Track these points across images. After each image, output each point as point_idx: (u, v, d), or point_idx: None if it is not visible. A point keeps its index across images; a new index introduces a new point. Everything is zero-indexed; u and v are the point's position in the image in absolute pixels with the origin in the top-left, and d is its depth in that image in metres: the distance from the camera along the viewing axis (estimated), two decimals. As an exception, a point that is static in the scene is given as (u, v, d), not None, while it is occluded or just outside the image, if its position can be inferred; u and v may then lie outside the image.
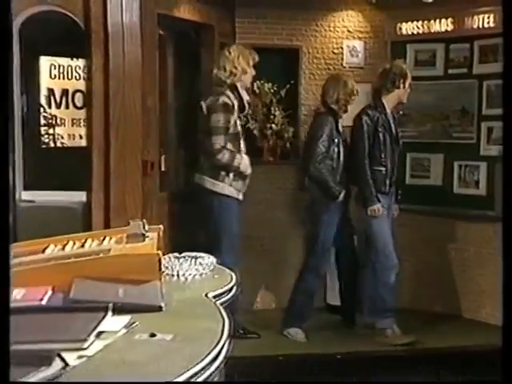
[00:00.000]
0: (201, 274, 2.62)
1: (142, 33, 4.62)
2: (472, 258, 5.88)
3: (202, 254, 2.75)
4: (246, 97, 5.17)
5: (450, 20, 5.96)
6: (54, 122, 4.72)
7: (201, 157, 5.22)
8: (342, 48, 6.19)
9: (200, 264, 2.63)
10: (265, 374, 4.74)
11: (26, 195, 4.57)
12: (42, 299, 2.15)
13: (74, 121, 4.71)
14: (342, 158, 5.38)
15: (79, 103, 4.70)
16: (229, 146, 5.06)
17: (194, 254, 2.74)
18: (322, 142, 5.31)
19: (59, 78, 4.70)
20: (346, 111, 5.44)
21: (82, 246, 2.69)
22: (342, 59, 6.16)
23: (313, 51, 6.13)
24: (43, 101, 4.63)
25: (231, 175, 5.11)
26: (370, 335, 5.41)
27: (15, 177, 4.59)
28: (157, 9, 4.90)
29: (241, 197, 5.23)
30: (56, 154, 4.84)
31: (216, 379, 1.79)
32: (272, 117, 5.98)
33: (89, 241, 2.74)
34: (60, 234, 2.96)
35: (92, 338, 1.78)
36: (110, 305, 1.99)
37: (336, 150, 5.37)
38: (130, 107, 4.58)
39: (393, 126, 5.40)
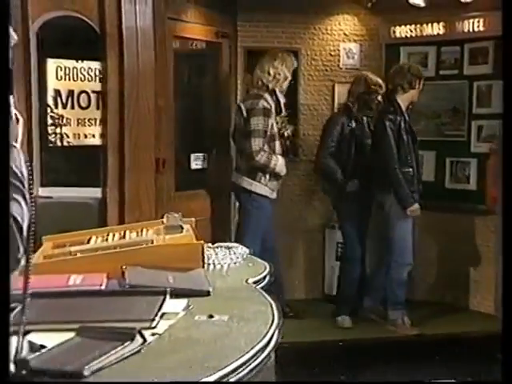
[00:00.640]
0: (235, 263, 2.75)
1: (155, 36, 4.75)
2: (463, 249, 5.99)
3: (235, 244, 2.89)
4: (283, 100, 5.33)
5: (441, 24, 6.04)
6: (60, 122, 4.78)
7: (238, 157, 5.40)
8: (338, 50, 6.27)
9: (234, 253, 2.76)
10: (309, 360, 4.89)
11: (43, 191, 4.66)
12: (101, 284, 2.29)
13: (79, 120, 4.77)
14: (352, 153, 5.50)
15: (84, 104, 4.75)
16: (266, 147, 5.21)
17: (226, 244, 2.88)
18: (331, 138, 5.48)
19: (65, 79, 4.76)
20: (369, 109, 5.58)
21: (123, 237, 2.82)
22: (339, 61, 6.23)
23: (311, 53, 6.21)
24: (50, 101, 4.68)
25: (267, 176, 5.29)
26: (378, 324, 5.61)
27: (33, 174, 4.69)
28: (167, 13, 4.99)
29: (274, 196, 5.40)
30: (63, 153, 4.90)
31: (271, 360, 1.92)
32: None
33: (128, 232, 2.87)
34: (77, 228, 3.08)
35: (157, 318, 1.92)
36: (168, 289, 2.12)
37: (346, 145, 5.49)
38: (143, 107, 4.69)
39: (409, 125, 5.46)
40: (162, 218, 3.00)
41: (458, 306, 5.99)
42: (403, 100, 5.43)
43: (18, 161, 1.87)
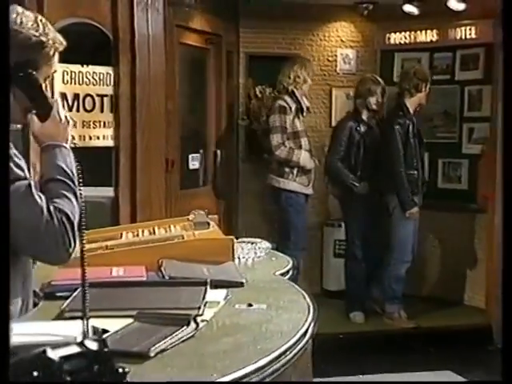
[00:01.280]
0: (258, 257, 2.86)
1: (165, 42, 4.84)
2: (455, 246, 6.09)
3: (257, 240, 2.99)
4: (305, 102, 5.51)
5: (434, 31, 6.13)
6: (67, 124, 4.83)
7: (269, 158, 5.58)
8: (335, 56, 6.34)
9: (258, 248, 2.87)
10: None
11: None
12: (142, 276, 2.40)
13: (84, 123, 4.84)
14: (361, 155, 5.60)
15: (89, 107, 4.82)
16: (288, 143, 5.40)
17: (248, 239, 2.98)
18: (339, 143, 5.59)
19: (71, 83, 4.82)
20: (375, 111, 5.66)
21: (153, 233, 2.92)
22: (336, 66, 6.31)
23: (310, 58, 6.19)
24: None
25: (295, 171, 5.44)
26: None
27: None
28: (175, 20, 5.08)
29: (308, 191, 5.55)
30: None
31: (310, 345, 2.03)
32: (272, 119, 6.17)
33: (157, 228, 2.97)
34: (91, 225, 3.17)
35: (203, 306, 2.04)
36: (208, 280, 2.23)
37: (355, 149, 5.59)
38: (154, 110, 4.77)
39: (416, 128, 5.51)
40: (171, 215, 3.10)
41: (452, 301, 6.07)
42: (411, 103, 5.48)
43: (69, 161, 1.98)
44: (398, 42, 6.33)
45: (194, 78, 5.84)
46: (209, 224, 2.91)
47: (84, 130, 4.86)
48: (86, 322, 1.70)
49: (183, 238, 2.74)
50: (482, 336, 5.44)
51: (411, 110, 5.49)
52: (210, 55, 5.89)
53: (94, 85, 4.75)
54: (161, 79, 4.82)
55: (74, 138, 4.78)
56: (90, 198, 4.80)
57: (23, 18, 1.94)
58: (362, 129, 5.63)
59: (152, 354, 1.65)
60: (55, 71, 2.05)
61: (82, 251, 1.79)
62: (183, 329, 1.80)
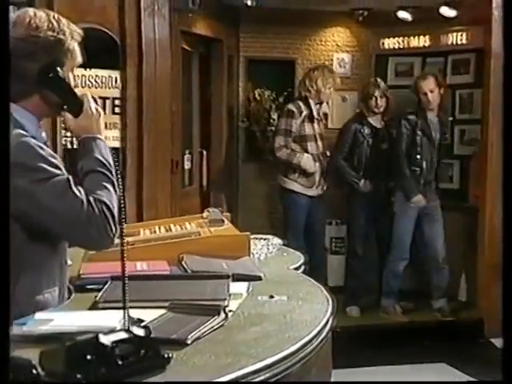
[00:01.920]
0: (270, 253, 2.92)
1: (171, 47, 4.91)
2: (447, 242, 6.10)
3: (269, 236, 3.06)
4: (316, 110, 5.59)
5: (427, 37, 6.18)
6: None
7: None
8: (332, 60, 6.40)
9: (271, 244, 2.94)
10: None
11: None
12: (166, 270, 2.47)
13: None
14: (364, 155, 5.72)
15: (92, 109, 4.86)
16: (292, 146, 5.52)
17: (260, 235, 3.06)
18: (343, 144, 5.74)
19: (74, 86, 4.87)
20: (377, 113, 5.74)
21: (170, 229, 2.99)
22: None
23: (306, 62, 6.33)
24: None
25: (297, 173, 5.53)
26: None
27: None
28: (180, 26, 5.14)
29: (310, 193, 5.63)
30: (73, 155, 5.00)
31: (330, 335, 2.09)
32: (272, 120, 6.22)
33: (172, 226, 3.05)
34: None
35: (228, 298, 2.11)
36: (231, 273, 2.31)
37: (358, 149, 5.71)
38: (160, 112, 4.84)
39: (434, 129, 5.55)
40: (176, 214, 3.15)
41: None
42: (425, 101, 5.54)
43: (105, 151, 2.05)
44: (391, 47, 6.40)
45: (195, 80, 5.90)
46: (223, 221, 2.99)
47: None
48: (126, 311, 1.78)
49: (200, 235, 2.81)
50: (473, 329, 5.52)
51: (427, 107, 5.52)
52: (212, 59, 5.96)
53: (96, 88, 4.80)
54: (166, 82, 4.89)
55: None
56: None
57: (37, 21, 1.97)
58: (366, 130, 5.71)
59: (189, 342, 1.72)
60: (79, 62, 2.08)
61: (122, 244, 1.85)
62: (214, 318, 1.87)
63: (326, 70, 5.67)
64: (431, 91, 5.46)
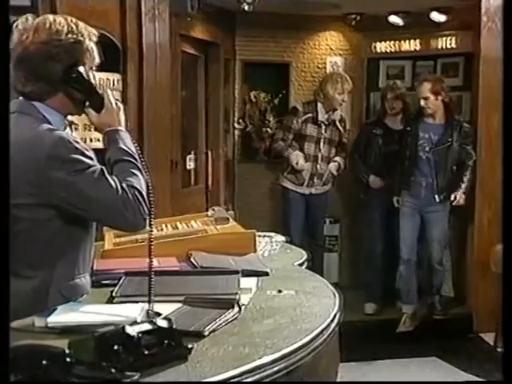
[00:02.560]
0: (274, 249, 2.97)
1: (171, 50, 4.94)
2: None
3: (272, 234, 3.11)
4: (322, 114, 5.69)
5: (417, 41, 6.23)
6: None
7: None
8: (325, 63, 6.44)
9: (274, 241, 2.99)
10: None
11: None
12: (176, 266, 2.51)
13: (86, 126, 4.92)
14: (376, 154, 5.75)
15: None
16: (293, 142, 5.69)
17: (264, 233, 3.10)
18: (358, 144, 5.87)
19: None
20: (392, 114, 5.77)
21: (176, 227, 3.03)
22: (325, 73, 6.35)
23: (301, 66, 6.38)
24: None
25: (288, 169, 5.68)
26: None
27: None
28: (179, 30, 5.18)
29: (301, 191, 5.73)
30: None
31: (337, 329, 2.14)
32: (267, 122, 6.28)
33: (178, 224, 3.09)
34: None
35: (239, 292, 2.16)
36: (240, 269, 2.35)
37: (370, 149, 5.80)
38: (160, 114, 4.87)
39: (435, 133, 5.37)
40: (176, 213, 3.17)
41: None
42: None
43: (128, 141, 2.13)
44: (383, 51, 6.44)
45: (193, 83, 5.93)
46: (228, 219, 3.03)
47: (85, 133, 4.95)
48: (151, 304, 1.83)
49: (206, 233, 2.85)
50: (462, 325, 5.58)
51: (425, 113, 5.41)
52: (209, 62, 6.00)
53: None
54: (166, 85, 4.91)
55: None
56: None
57: (57, 25, 2.05)
58: (379, 131, 5.78)
59: (206, 334, 1.77)
60: (98, 62, 2.16)
61: (150, 240, 1.92)
62: (229, 311, 1.92)
63: (334, 76, 5.74)
64: (425, 98, 5.34)
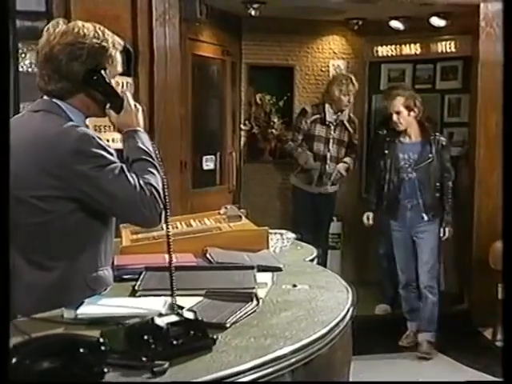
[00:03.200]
0: (285, 246, 3.00)
1: (181, 54, 4.97)
2: None
3: (282, 231, 3.13)
4: (330, 115, 5.71)
5: (418, 45, 6.26)
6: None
7: None
8: (328, 66, 6.47)
9: (285, 238, 3.01)
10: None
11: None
12: (193, 261, 2.54)
13: (96, 127, 4.95)
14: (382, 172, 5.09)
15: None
16: (300, 142, 5.72)
17: (275, 230, 3.12)
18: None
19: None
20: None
21: (190, 225, 3.06)
22: (329, 76, 6.40)
23: (304, 69, 6.42)
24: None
25: (298, 169, 5.72)
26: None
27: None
28: (188, 34, 5.21)
29: (310, 190, 5.74)
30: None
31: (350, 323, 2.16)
32: (272, 123, 6.33)
33: (192, 221, 3.11)
34: None
35: (256, 286, 2.19)
36: (256, 264, 2.38)
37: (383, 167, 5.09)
38: (170, 116, 4.88)
39: (414, 152, 4.94)
40: (186, 212, 3.20)
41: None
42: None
43: (146, 141, 2.17)
44: (384, 55, 6.47)
45: (202, 86, 5.97)
46: (241, 217, 3.06)
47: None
48: (175, 298, 1.86)
49: (220, 230, 2.88)
50: (461, 320, 5.61)
51: (407, 133, 4.97)
52: (217, 65, 6.03)
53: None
54: (176, 87, 4.94)
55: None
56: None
57: (85, 30, 2.10)
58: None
59: (228, 325, 1.80)
60: (120, 71, 2.20)
61: (168, 235, 1.95)
62: (248, 304, 1.95)
63: (342, 78, 5.77)
64: (397, 112, 4.89)
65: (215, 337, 1.65)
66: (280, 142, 6.28)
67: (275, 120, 6.34)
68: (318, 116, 5.71)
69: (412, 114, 4.91)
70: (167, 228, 2.03)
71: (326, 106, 5.70)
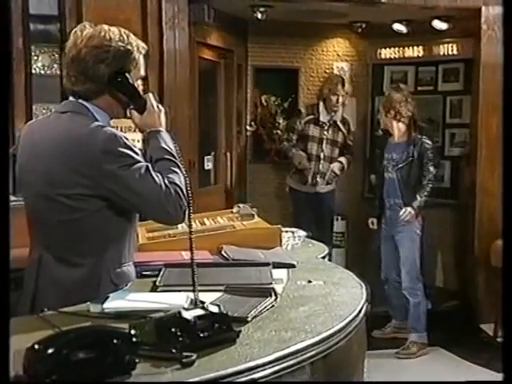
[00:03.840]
0: (296, 244, 3.02)
1: (190, 57, 5.01)
2: (437, 237, 6.19)
3: (293, 229, 3.16)
4: (324, 116, 5.73)
5: (420, 47, 6.30)
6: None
7: None
8: (332, 68, 6.51)
9: (296, 236, 3.04)
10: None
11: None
12: (209, 258, 2.57)
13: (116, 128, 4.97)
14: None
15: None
16: (294, 143, 5.75)
17: (286, 228, 3.14)
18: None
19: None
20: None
21: (204, 223, 3.09)
22: None
23: (309, 71, 6.46)
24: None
25: (293, 169, 5.75)
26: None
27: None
28: (196, 37, 5.24)
29: (305, 189, 5.75)
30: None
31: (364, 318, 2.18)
32: (277, 124, 6.36)
33: (205, 220, 3.14)
34: None
35: (273, 282, 2.22)
36: (271, 261, 2.42)
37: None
38: (179, 117, 4.92)
39: (397, 153, 4.96)
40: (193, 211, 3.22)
41: (435, 285, 6.21)
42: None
43: (168, 141, 2.20)
44: (387, 57, 6.50)
45: (208, 87, 6.00)
46: (253, 215, 3.09)
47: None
48: (197, 292, 1.89)
49: (234, 228, 2.91)
50: (463, 316, 5.64)
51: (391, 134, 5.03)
52: (223, 68, 6.07)
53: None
54: (185, 89, 4.97)
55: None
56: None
57: (110, 34, 2.15)
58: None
59: (249, 319, 1.83)
60: (144, 75, 2.24)
61: (190, 232, 1.98)
62: (267, 299, 1.99)
63: (333, 78, 5.82)
64: (379, 111, 5.09)
65: (239, 329, 1.69)
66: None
67: (280, 121, 6.37)
68: (311, 116, 5.75)
69: (389, 115, 4.95)
70: (190, 225, 2.06)
71: (320, 106, 5.73)
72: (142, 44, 2.20)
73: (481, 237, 5.54)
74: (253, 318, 1.85)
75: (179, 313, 1.59)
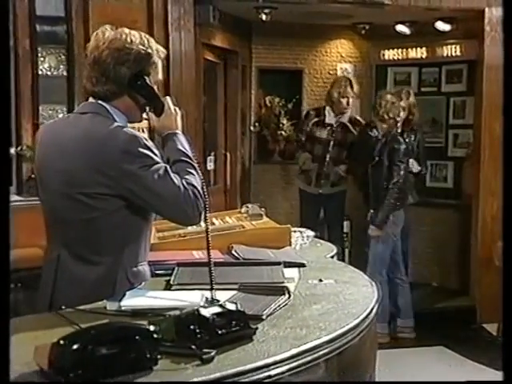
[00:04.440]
0: (305, 243, 3.04)
1: (196, 58, 5.04)
2: (439, 236, 6.30)
3: (302, 229, 3.19)
4: (330, 118, 5.70)
5: (423, 49, 6.35)
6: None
7: None
8: (336, 69, 6.54)
9: (304, 236, 3.06)
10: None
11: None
12: (220, 257, 2.59)
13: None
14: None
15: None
16: (303, 144, 5.77)
17: (294, 228, 3.17)
18: None
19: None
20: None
21: (213, 223, 3.10)
22: None
23: (313, 72, 6.51)
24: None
25: (300, 170, 5.76)
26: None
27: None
28: (201, 38, 5.27)
29: (309, 190, 5.76)
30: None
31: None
32: (281, 125, 6.40)
33: (215, 219, 3.16)
34: None
35: (285, 281, 2.24)
36: (282, 260, 2.44)
37: None
38: (186, 117, 4.96)
39: (384, 149, 4.97)
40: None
41: (440, 285, 6.32)
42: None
43: (185, 143, 2.23)
44: (391, 58, 6.55)
45: (213, 88, 6.03)
46: (262, 215, 3.11)
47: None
48: (213, 291, 1.92)
49: (244, 228, 2.94)
50: (466, 316, 5.67)
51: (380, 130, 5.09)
52: (228, 69, 6.09)
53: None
54: (190, 90, 5.01)
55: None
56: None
57: (131, 37, 2.17)
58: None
59: (264, 317, 1.86)
60: (161, 79, 2.26)
61: (207, 232, 2.01)
62: (280, 298, 2.01)
63: (341, 80, 5.75)
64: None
65: (255, 327, 1.72)
66: (289, 143, 6.33)
67: (284, 122, 6.41)
68: (318, 118, 5.72)
69: (374, 114, 5.11)
70: (206, 226, 2.08)
71: (327, 108, 5.69)
72: (161, 48, 2.23)
73: (484, 236, 5.56)
74: (268, 316, 1.87)
75: (197, 310, 1.62)
